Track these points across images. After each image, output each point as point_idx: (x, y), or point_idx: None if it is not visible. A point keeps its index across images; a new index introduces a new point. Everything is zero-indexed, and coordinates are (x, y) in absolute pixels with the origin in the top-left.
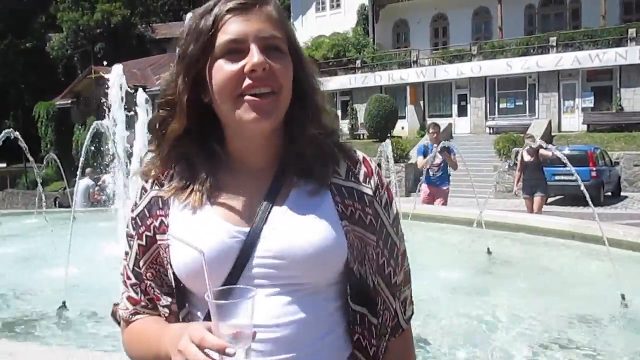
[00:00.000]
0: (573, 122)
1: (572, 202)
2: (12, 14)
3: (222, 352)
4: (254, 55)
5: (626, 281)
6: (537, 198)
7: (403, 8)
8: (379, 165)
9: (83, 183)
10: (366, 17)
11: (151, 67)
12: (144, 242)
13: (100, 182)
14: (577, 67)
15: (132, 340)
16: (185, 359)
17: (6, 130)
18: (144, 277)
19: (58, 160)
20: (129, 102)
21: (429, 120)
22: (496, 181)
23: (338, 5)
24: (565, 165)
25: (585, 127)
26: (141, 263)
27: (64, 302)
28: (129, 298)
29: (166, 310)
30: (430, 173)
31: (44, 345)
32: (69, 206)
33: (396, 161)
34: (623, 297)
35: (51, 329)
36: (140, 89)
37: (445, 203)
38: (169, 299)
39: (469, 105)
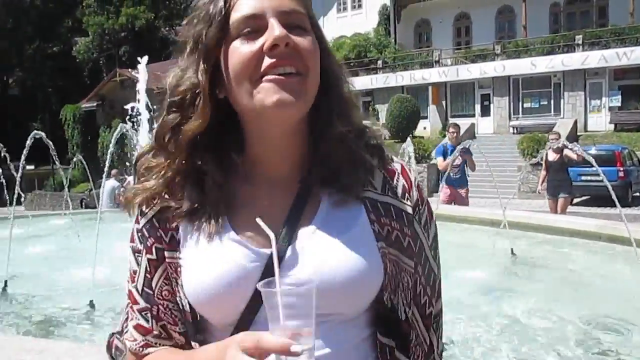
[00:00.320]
0: (600, 121)
1: (599, 202)
2: (40, 19)
3: (285, 352)
4: (275, 29)
5: None
6: (561, 199)
7: (425, 8)
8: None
9: (109, 184)
10: (388, 17)
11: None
12: (154, 256)
13: (125, 184)
14: (604, 65)
15: None
16: None
17: (35, 132)
18: (157, 298)
19: (84, 162)
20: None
21: (452, 121)
22: (520, 181)
23: (359, 6)
24: (591, 165)
25: (612, 126)
26: (154, 281)
27: (91, 301)
28: (137, 327)
29: (183, 338)
30: (451, 174)
31: (73, 342)
32: (95, 207)
33: (418, 161)
34: None
35: (80, 328)
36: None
37: (466, 204)
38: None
39: (492, 105)
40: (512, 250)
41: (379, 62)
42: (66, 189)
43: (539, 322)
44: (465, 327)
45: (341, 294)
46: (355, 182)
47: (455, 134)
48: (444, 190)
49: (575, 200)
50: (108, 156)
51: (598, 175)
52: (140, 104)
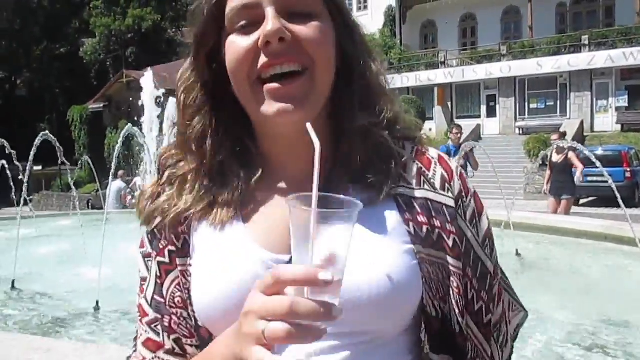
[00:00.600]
0: (606, 121)
1: (606, 203)
2: (48, 21)
3: (311, 281)
4: (268, 22)
5: None
6: (564, 201)
7: (431, 9)
8: None
9: (115, 185)
10: (393, 18)
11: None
12: (166, 259)
13: (132, 185)
14: (611, 65)
15: None
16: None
17: (42, 133)
18: (169, 306)
19: (91, 163)
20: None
21: (457, 122)
22: (526, 182)
23: (365, 7)
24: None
25: (619, 127)
26: (165, 287)
27: (97, 302)
28: (147, 343)
29: (197, 351)
30: None
31: (79, 342)
32: (101, 208)
33: None
34: None
35: (86, 328)
36: (171, 98)
37: None
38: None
39: (498, 106)
40: (517, 251)
41: (385, 63)
42: (73, 190)
43: (545, 323)
44: None
45: (373, 308)
46: (384, 179)
47: (458, 135)
48: None
49: (582, 201)
50: (115, 157)
51: (604, 175)
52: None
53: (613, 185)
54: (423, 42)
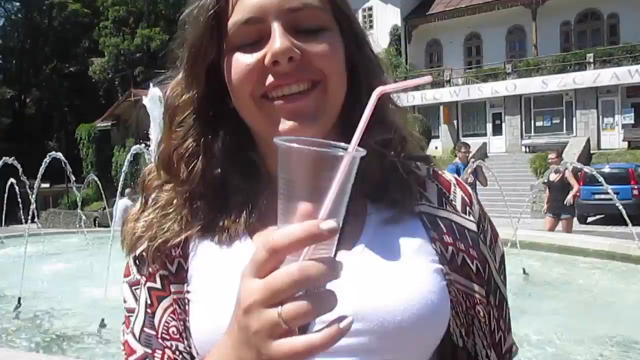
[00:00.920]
0: (613, 139)
1: (614, 221)
2: (58, 40)
3: (316, 236)
4: (276, 39)
5: None
6: (564, 220)
7: (436, 28)
8: None
9: (122, 203)
10: (399, 37)
11: None
12: (158, 284)
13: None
14: (616, 83)
15: None
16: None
17: (51, 153)
18: (162, 339)
19: (98, 181)
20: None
21: (463, 140)
22: (532, 200)
23: (371, 27)
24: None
25: (626, 144)
26: (157, 317)
27: (102, 320)
28: None
29: None
30: None
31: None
32: (108, 226)
33: None
34: None
35: (91, 346)
36: None
37: None
38: None
39: (504, 124)
40: (524, 270)
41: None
42: (79, 208)
43: (552, 343)
44: None
45: (398, 332)
46: (406, 195)
47: (467, 154)
48: None
49: (590, 219)
50: (122, 175)
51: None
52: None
53: (618, 203)
54: (428, 61)
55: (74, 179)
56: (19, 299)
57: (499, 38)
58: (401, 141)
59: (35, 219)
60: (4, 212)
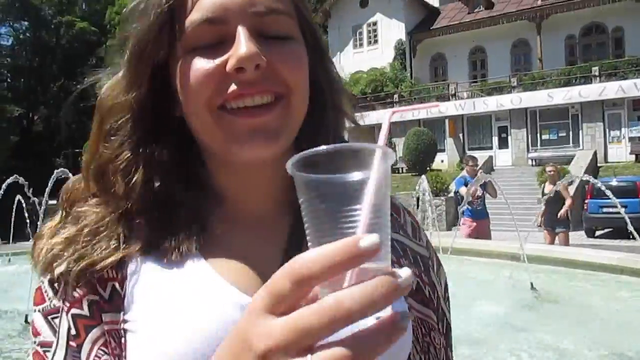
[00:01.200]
0: (620, 152)
1: (622, 235)
2: (65, 58)
3: (357, 255)
4: (241, 44)
5: None
6: (560, 234)
7: (440, 42)
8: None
9: None
10: (403, 52)
11: None
12: (86, 312)
13: None
14: (622, 96)
15: None
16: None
17: (59, 170)
18: None
19: None
20: None
21: (469, 153)
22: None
23: (375, 42)
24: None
25: (633, 157)
26: (84, 351)
27: None
28: None
29: None
30: (474, 206)
31: None
32: None
33: (436, 195)
34: None
35: None
36: None
37: (489, 236)
38: None
39: (509, 137)
40: (532, 284)
41: (396, 96)
42: None
43: (560, 357)
44: None
45: None
46: None
47: (474, 167)
48: (467, 223)
49: (598, 233)
50: None
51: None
52: None
53: (626, 217)
54: (433, 75)
55: None
56: (26, 316)
57: (503, 52)
58: None
59: None
60: (11, 229)
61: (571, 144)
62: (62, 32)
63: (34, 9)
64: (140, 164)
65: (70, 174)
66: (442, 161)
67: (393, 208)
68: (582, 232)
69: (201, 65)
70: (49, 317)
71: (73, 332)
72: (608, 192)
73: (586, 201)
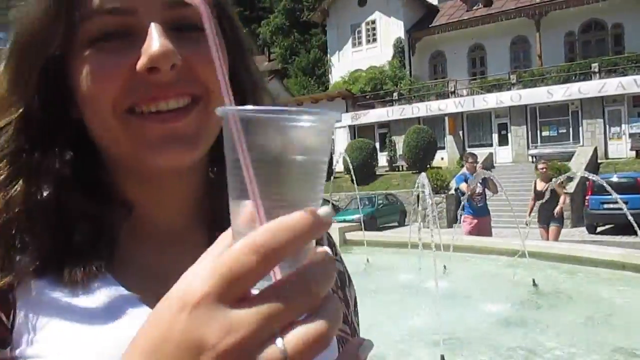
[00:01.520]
0: (620, 148)
1: (624, 231)
2: None
3: (319, 226)
4: (154, 40)
5: None
6: (552, 229)
7: (439, 40)
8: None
9: None
10: (402, 50)
11: None
12: None
13: None
14: (622, 92)
15: None
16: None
17: None
18: None
19: None
20: None
21: (469, 150)
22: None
23: (374, 40)
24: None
25: (633, 153)
26: None
27: None
28: None
29: None
30: (474, 203)
31: None
32: None
33: (436, 192)
34: None
35: None
36: None
37: (490, 233)
38: None
39: (509, 134)
40: (533, 280)
41: (395, 94)
42: None
43: (563, 355)
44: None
45: None
46: None
47: (474, 164)
48: (468, 221)
49: (600, 229)
50: None
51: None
52: None
53: (627, 213)
54: (432, 73)
55: None
56: None
57: (502, 49)
58: None
59: None
60: None
61: (571, 141)
62: None
63: None
64: (24, 173)
65: None
66: (442, 159)
67: None
68: (584, 229)
69: (105, 61)
70: None
71: None
72: (609, 188)
73: (587, 197)
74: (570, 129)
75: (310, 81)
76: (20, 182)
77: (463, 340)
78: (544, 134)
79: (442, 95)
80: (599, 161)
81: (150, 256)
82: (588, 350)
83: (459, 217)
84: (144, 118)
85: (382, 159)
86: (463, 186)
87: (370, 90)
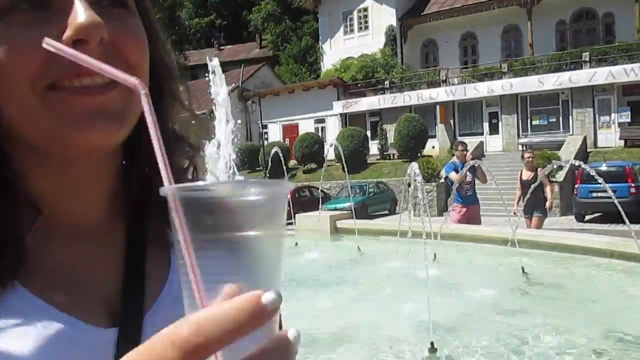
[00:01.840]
0: (610, 137)
1: (612, 219)
2: None
3: (256, 316)
4: (78, 11)
5: None
6: (535, 218)
7: (431, 28)
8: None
9: None
10: (394, 38)
11: None
12: None
13: None
14: (612, 81)
15: None
16: None
17: None
18: None
19: None
20: None
21: (460, 139)
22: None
23: (366, 27)
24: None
25: (622, 142)
26: None
27: None
28: None
29: None
30: (463, 192)
31: None
32: None
33: (427, 180)
34: None
35: None
36: None
37: (479, 221)
38: None
39: (500, 123)
40: (523, 268)
41: (387, 82)
42: None
43: (551, 341)
44: (476, 346)
45: None
46: None
47: (464, 152)
48: (457, 209)
49: (588, 217)
50: None
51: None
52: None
53: (616, 201)
54: (424, 61)
55: None
56: None
57: (494, 37)
58: (195, 149)
59: None
60: None
61: (561, 130)
62: None
63: None
64: None
65: None
66: (433, 147)
67: None
68: (572, 217)
69: (19, 34)
70: None
71: None
72: (598, 177)
73: (576, 186)
74: (561, 118)
75: (301, 69)
76: None
77: (453, 327)
78: (534, 122)
79: (434, 84)
80: (589, 150)
81: (66, 257)
82: (576, 334)
83: (449, 206)
84: (67, 93)
85: (374, 147)
86: (452, 175)
87: (361, 78)
